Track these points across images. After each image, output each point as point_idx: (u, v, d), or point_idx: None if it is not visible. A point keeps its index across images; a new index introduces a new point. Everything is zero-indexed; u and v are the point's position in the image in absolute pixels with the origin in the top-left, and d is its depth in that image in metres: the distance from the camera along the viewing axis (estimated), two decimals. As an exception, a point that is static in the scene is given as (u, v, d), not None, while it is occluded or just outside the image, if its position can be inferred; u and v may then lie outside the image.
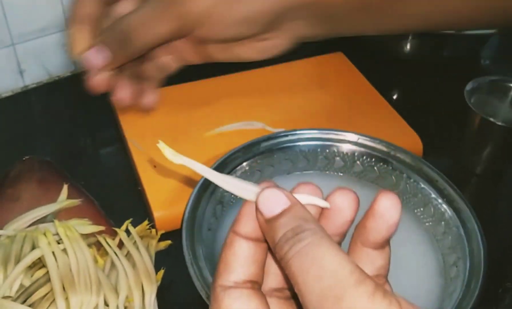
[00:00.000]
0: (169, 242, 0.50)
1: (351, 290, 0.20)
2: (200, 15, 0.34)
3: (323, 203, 0.25)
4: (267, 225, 0.23)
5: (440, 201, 0.50)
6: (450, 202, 0.49)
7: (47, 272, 0.42)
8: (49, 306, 0.39)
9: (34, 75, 0.70)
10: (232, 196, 0.52)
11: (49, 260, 0.41)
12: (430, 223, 0.50)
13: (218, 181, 0.27)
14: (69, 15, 0.38)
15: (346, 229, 0.25)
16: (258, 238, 0.24)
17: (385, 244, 0.24)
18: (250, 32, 0.35)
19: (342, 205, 0.24)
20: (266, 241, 0.24)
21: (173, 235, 0.52)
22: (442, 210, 0.49)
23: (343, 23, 0.37)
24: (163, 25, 0.35)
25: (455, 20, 0.41)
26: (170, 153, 0.27)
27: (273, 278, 0.25)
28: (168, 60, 0.42)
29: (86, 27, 0.38)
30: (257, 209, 0.23)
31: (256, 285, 0.23)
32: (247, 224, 0.24)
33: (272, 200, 0.23)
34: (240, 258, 0.23)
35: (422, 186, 0.51)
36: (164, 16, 0.34)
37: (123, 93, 0.40)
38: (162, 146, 0.27)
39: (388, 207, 0.24)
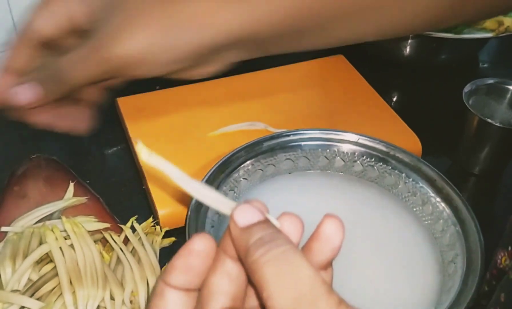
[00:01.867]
0: (173, 238, 0.51)
1: (324, 297, 0.21)
2: (129, 59, 0.33)
3: (275, 222, 0.26)
4: (241, 232, 0.24)
5: (438, 199, 0.51)
6: (448, 201, 0.50)
7: (54, 266, 0.43)
8: (56, 299, 0.40)
9: (40, 77, 0.71)
10: (235, 195, 0.53)
11: (57, 255, 0.42)
12: (429, 221, 0.51)
13: (191, 190, 0.26)
14: (4, 65, 0.38)
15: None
16: (189, 289, 0.25)
17: (329, 265, 0.26)
18: (182, 68, 0.36)
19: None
20: (195, 290, 0.25)
21: (177, 232, 0.53)
22: (441, 208, 0.50)
23: (278, 45, 0.37)
24: (91, 69, 0.35)
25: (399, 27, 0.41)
26: (146, 154, 0.26)
27: None
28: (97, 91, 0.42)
29: (13, 78, 0.38)
30: (232, 220, 0.24)
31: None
32: (179, 276, 0.25)
33: (249, 212, 0.24)
34: (172, 307, 0.25)
35: (421, 185, 0.52)
36: (92, 60, 0.34)
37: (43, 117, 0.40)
38: (140, 147, 0.26)
39: (333, 230, 0.25)
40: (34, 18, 0.37)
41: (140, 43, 0.33)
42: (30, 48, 0.37)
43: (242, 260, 0.24)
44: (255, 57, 0.38)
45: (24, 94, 0.37)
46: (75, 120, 0.41)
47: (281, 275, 0.22)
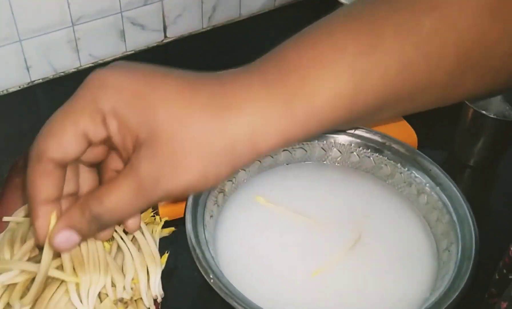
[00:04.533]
0: (172, 228, 0.52)
1: None
2: (177, 194, 0.33)
3: None
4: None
5: (433, 189, 0.52)
6: (443, 190, 0.51)
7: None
8: (59, 285, 0.40)
9: (40, 71, 0.72)
10: (233, 185, 0.54)
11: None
12: (424, 211, 0.52)
13: None
14: (28, 196, 0.35)
15: None
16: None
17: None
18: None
19: None
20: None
21: (176, 222, 0.54)
22: (436, 197, 0.51)
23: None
24: (135, 208, 0.33)
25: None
26: None
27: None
28: None
29: (49, 209, 0.35)
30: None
31: None
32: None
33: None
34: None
35: (416, 175, 0.53)
36: (136, 202, 0.33)
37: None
38: None
39: None
40: (45, 147, 0.34)
41: (187, 182, 0.32)
42: (51, 176, 0.34)
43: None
44: None
45: (61, 243, 0.35)
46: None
47: None
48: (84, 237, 0.36)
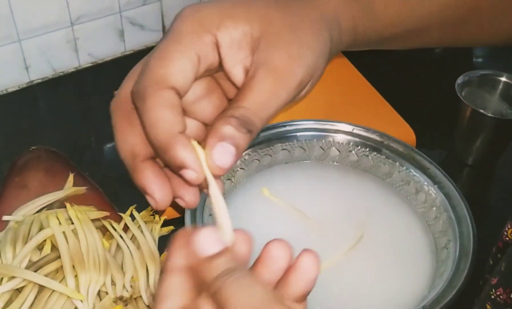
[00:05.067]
0: (171, 227, 0.52)
1: (276, 306, 0.25)
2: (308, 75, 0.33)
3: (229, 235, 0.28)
4: (205, 260, 0.26)
5: (431, 187, 0.52)
6: (441, 188, 0.51)
7: (55, 249, 0.43)
8: (59, 282, 0.40)
9: (39, 71, 0.72)
10: (232, 184, 0.54)
11: (60, 239, 0.43)
12: (422, 209, 0.52)
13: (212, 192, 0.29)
14: (155, 132, 0.29)
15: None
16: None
17: (303, 298, 0.28)
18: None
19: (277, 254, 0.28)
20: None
21: (175, 222, 0.54)
22: (434, 196, 0.51)
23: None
24: (283, 98, 0.31)
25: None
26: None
27: None
28: None
29: (186, 139, 0.29)
30: (196, 245, 0.27)
31: None
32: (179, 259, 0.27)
33: (211, 240, 0.27)
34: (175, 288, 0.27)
35: (414, 173, 0.53)
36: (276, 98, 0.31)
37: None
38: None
39: (309, 264, 0.28)
40: (164, 74, 0.29)
41: (312, 59, 0.33)
42: (177, 107, 0.29)
43: (205, 281, 0.26)
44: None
45: (224, 157, 0.29)
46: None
47: (239, 291, 0.25)
48: (239, 148, 0.30)
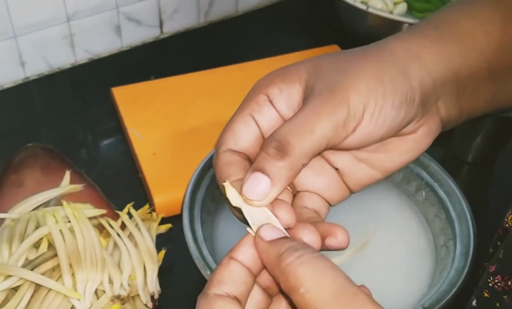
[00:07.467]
0: (169, 225, 0.52)
1: (362, 293, 0.25)
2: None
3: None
4: (268, 245, 0.27)
5: (431, 185, 0.51)
6: (441, 186, 0.51)
7: (51, 248, 0.43)
8: (56, 281, 0.40)
9: (35, 67, 0.72)
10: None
11: (57, 238, 0.42)
12: (422, 207, 0.52)
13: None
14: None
15: None
16: (250, 267, 0.28)
17: None
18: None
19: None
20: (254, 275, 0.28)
21: (172, 219, 0.53)
22: (433, 194, 0.51)
23: (473, 97, 0.37)
24: (325, 125, 0.30)
25: None
26: (235, 196, 0.29)
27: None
28: None
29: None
30: (258, 236, 0.28)
31: (240, 303, 0.27)
32: (246, 252, 0.28)
33: (273, 230, 0.28)
34: (235, 276, 0.27)
35: (414, 171, 0.53)
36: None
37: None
38: (230, 190, 0.29)
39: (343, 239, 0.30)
40: (222, 140, 0.33)
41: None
42: (231, 163, 0.32)
43: (271, 268, 0.27)
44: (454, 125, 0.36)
45: (252, 190, 0.30)
46: None
47: (319, 272, 0.25)
48: (276, 180, 0.30)
